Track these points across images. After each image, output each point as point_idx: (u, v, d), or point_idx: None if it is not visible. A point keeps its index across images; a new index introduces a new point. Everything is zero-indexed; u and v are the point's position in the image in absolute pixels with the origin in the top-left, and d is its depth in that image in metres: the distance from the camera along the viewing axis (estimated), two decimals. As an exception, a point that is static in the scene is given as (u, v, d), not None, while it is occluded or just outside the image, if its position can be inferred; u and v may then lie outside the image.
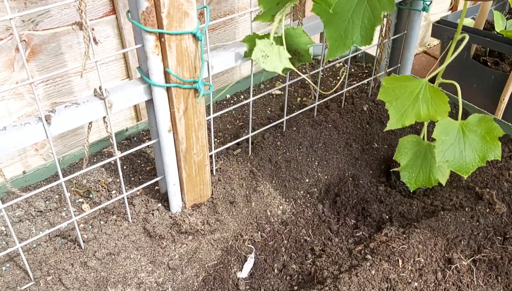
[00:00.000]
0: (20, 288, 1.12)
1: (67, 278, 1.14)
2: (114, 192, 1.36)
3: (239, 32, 1.92)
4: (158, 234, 1.25)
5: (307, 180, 1.48)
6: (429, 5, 1.56)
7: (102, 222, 1.27)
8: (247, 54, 1.15)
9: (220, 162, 1.44)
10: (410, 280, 1.15)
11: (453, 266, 1.20)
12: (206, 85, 1.13)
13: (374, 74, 1.71)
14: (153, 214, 1.29)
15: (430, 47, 3.08)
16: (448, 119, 1.22)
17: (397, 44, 1.70)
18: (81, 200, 1.33)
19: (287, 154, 1.50)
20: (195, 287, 1.22)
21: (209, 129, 1.36)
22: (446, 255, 1.23)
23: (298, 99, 1.77)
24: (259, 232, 1.35)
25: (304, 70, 1.90)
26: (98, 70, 0.98)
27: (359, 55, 1.97)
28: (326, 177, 1.50)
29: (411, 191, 1.39)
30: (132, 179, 1.40)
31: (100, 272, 1.17)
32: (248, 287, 1.24)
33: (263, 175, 1.43)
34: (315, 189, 1.47)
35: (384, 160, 1.60)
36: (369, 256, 1.22)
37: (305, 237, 1.36)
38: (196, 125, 1.18)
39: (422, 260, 1.20)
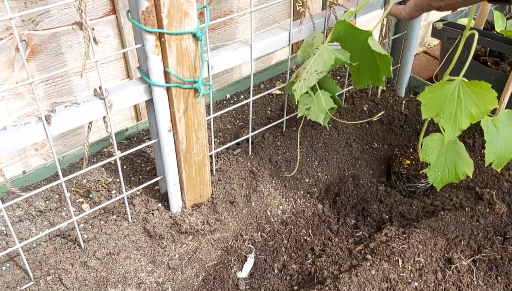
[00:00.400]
0: (20, 288, 1.12)
1: (67, 278, 1.14)
2: (114, 191, 1.36)
3: (239, 32, 1.92)
4: (158, 234, 1.25)
5: (307, 180, 1.48)
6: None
7: (102, 222, 1.27)
8: (293, 101, 1.30)
9: (220, 161, 1.44)
10: (410, 280, 1.15)
11: (453, 266, 1.20)
12: (206, 85, 1.13)
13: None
14: (153, 214, 1.29)
15: (430, 47, 3.08)
16: (486, 118, 1.20)
17: (397, 44, 1.70)
18: (81, 199, 1.33)
19: (287, 153, 1.50)
20: (195, 287, 1.22)
21: (209, 129, 1.36)
22: (446, 255, 1.23)
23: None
24: (259, 232, 1.35)
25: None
26: (98, 70, 0.98)
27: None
28: (326, 177, 1.50)
29: (438, 190, 1.35)
30: (132, 178, 1.40)
31: (100, 272, 1.17)
32: (248, 287, 1.24)
33: (263, 174, 1.43)
34: (315, 189, 1.47)
35: (384, 159, 1.60)
36: (369, 256, 1.22)
37: (305, 237, 1.36)
38: (196, 125, 1.18)
39: (422, 260, 1.20)
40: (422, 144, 1.33)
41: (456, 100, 1.18)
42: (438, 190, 1.37)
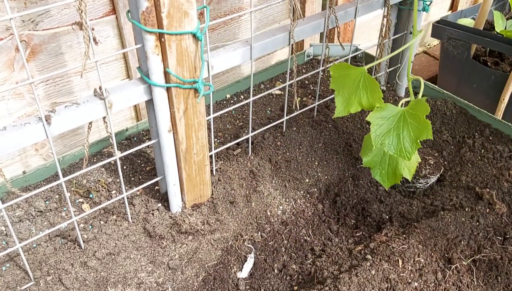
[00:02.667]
0: (20, 288, 1.12)
1: (67, 278, 1.14)
2: (114, 192, 1.36)
3: (239, 32, 1.92)
4: (158, 234, 1.25)
5: (307, 180, 1.48)
6: (429, 5, 1.56)
7: (102, 222, 1.27)
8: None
9: (220, 162, 1.45)
10: (410, 280, 1.15)
11: (453, 266, 1.20)
12: (206, 85, 1.13)
13: (374, 74, 1.71)
14: (153, 214, 1.29)
15: (430, 47, 3.08)
16: (390, 105, 1.24)
17: (397, 44, 1.70)
18: (81, 200, 1.33)
19: (287, 154, 1.50)
20: (195, 287, 1.22)
21: (209, 129, 1.36)
22: (446, 255, 1.23)
23: (298, 99, 1.77)
24: (259, 232, 1.35)
25: (304, 70, 1.90)
26: (98, 70, 0.98)
27: (359, 55, 1.97)
28: (326, 177, 1.50)
29: (386, 188, 1.38)
30: (132, 179, 1.40)
31: (100, 272, 1.17)
32: (248, 287, 1.24)
33: (263, 175, 1.43)
34: (315, 189, 1.47)
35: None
36: (369, 256, 1.22)
37: (305, 237, 1.36)
38: (196, 125, 1.18)
39: (422, 260, 1.20)
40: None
41: (355, 86, 1.26)
42: (386, 189, 1.38)
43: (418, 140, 1.19)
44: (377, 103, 1.24)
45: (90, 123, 1.07)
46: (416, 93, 1.75)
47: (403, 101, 1.29)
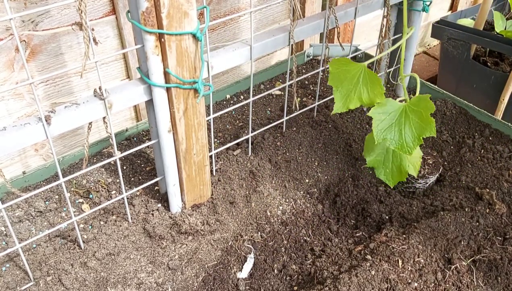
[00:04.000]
0: (20, 288, 1.12)
1: (67, 279, 1.14)
2: (114, 192, 1.36)
3: (239, 32, 1.92)
4: (158, 234, 1.25)
5: (307, 180, 1.48)
6: (429, 6, 1.56)
7: (102, 222, 1.27)
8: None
9: (220, 162, 1.45)
10: (410, 281, 1.15)
11: (453, 267, 1.20)
12: (206, 85, 1.13)
13: (374, 75, 1.71)
14: (153, 214, 1.29)
15: (430, 47, 3.08)
16: (391, 100, 1.24)
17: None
18: (81, 200, 1.33)
19: (287, 154, 1.50)
20: (195, 287, 1.22)
21: (209, 129, 1.36)
22: (446, 256, 1.23)
23: (298, 99, 1.77)
24: (259, 232, 1.35)
25: (304, 71, 1.90)
26: (98, 70, 0.98)
27: (359, 55, 1.97)
28: (326, 177, 1.50)
29: (391, 187, 1.38)
30: (132, 179, 1.40)
31: (100, 273, 1.17)
32: (248, 287, 1.24)
33: (263, 175, 1.43)
34: (315, 189, 1.47)
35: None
36: (369, 256, 1.22)
37: (305, 237, 1.36)
38: (196, 125, 1.18)
39: (422, 260, 1.20)
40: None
41: (355, 82, 1.25)
42: (391, 187, 1.38)
43: (421, 137, 1.19)
44: (378, 99, 1.23)
45: (90, 123, 1.07)
46: (415, 94, 1.75)
47: (399, 99, 1.29)
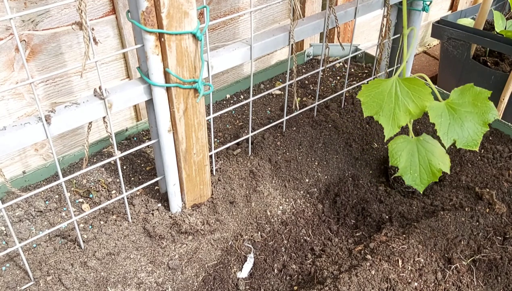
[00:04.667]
0: (20, 288, 1.12)
1: (67, 278, 1.14)
2: (114, 192, 1.36)
3: (239, 32, 1.92)
4: (158, 234, 1.25)
5: (307, 180, 1.48)
6: (429, 5, 1.56)
7: (102, 222, 1.27)
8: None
9: (220, 162, 1.45)
10: (410, 280, 1.15)
11: (453, 266, 1.20)
12: (206, 85, 1.13)
13: (374, 74, 1.71)
14: (153, 214, 1.29)
15: (430, 47, 3.08)
16: (434, 103, 1.21)
17: (397, 44, 1.70)
18: (81, 200, 1.33)
19: (287, 154, 1.50)
20: (195, 287, 1.22)
21: (209, 129, 1.36)
22: (446, 255, 1.23)
23: (298, 99, 1.77)
24: (259, 232, 1.35)
25: (304, 70, 1.90)
26: (98, 70, 0.98)
27: (359, 55, 1.97)
28: (326, 177, 1.50)
29: (421, 192, 1.36)
30: (132, 179, 1.40)
31: (100, 272, 1.17)
32: (248, 287, 1.24)
33: (263, 175, 1.43)
34: (315, 189, 1.47)
35: (384, 160, 1.60)
36: (369, 256, 1.22)
37: (305, 237, 1.36)
38: (196, 125, 1.18)
39: (422, 260, 1.20)
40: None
41: (394, 98, 1.20)
42: (421, 192, 1.36)
43: (487, 124, 1.16)
44: (427, 101, 1.17)
45: (90, 123, 1.07)
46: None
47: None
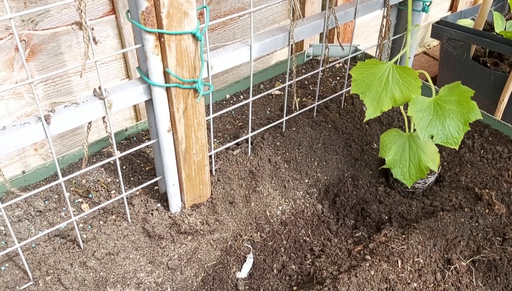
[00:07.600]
0: (19, 288, 1.12)
1: (66, 278, 1.14)
2: (113, 192, 1.36)
3: (239, 32, 1.92)
4: (157, 234, 1.25)
5: (306, 180, 1.48)
6: (428, 6, 1.56)
7: (101, 222, 1.27)
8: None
9: (220, 162, 1.44)
10: (409, 281, 1.16)
11: (452, 267, 1.20)
12: (205, 85, 1.13)
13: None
14: (152, 214, 1.29)
15: (429, 48, 3.08)
16: (420, 97, 1.22)
17: (397, 45, 1.70)
18: (80, 200, 1.33)
19: (287, 154, 1.50)
20: (194, 287, 1.22)
21: (208, 129, 1.36)
22: (445, 256, 1.23)
23: (298, 99, 1.77)
24: (259, 232, 1.35)
25: (303, 71, 1.90)
26: (97, 70, 0.98)
27: (359, 55, 1.97)
28: (325, 177, 1.50)
29: (409, 186, 1.38)
30: (132, 179, 1.40)
31: (99, 272, 1.17)
32: (247, 287, 1.24)
33: (262, 175, 1.43)
34: (315, 189, 1.47)
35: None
36: (368, 257, 1.22)
37: (304, 238, 1.36)
38: (195, 125, 1.18)
39: (421, 260, 1.20)
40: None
41: (384, 82, 1.21)
42: (409, 187, 1.37)
43: (467, 123, 1.17)
44: (414, 94, 1.19)
45: (90, 123, 1.07)
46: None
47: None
